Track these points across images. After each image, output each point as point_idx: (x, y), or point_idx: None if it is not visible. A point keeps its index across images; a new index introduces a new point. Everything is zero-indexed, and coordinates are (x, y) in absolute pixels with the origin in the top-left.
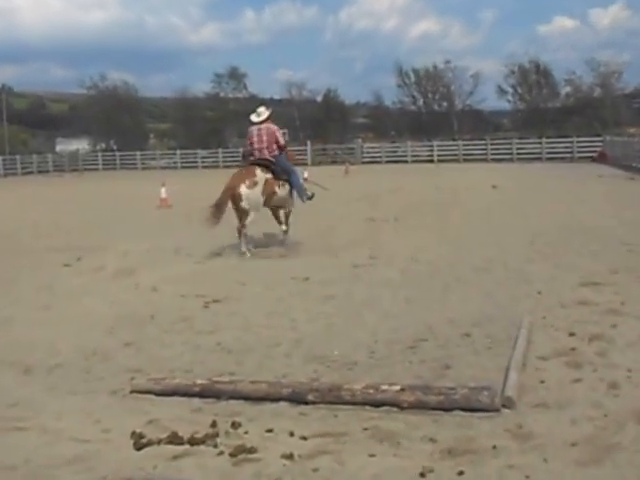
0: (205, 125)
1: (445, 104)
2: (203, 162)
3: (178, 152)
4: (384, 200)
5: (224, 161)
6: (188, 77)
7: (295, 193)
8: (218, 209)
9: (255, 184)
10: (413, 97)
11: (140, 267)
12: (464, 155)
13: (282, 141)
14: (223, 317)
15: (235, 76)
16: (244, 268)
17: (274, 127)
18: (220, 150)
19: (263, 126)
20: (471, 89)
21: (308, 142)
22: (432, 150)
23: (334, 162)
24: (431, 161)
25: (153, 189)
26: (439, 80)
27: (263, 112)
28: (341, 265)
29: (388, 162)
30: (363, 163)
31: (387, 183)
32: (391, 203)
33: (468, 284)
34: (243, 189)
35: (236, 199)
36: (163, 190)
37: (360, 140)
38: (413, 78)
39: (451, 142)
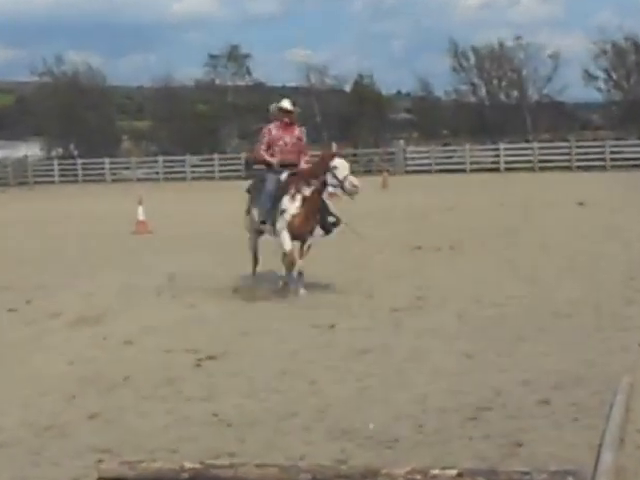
0: (196, 123)
1: (515, 94)
2: (193, 172)
3: (160, 159)
4: (435, 222)
5: (221, 171)
6: (172, 60)
7: None
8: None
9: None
10: (472, 85)
11: (110, 313)
12: (540, 162)
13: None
14: (221, 379)
15: (235, 58)
16: (249, 313)
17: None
18: (216, 156)
19: None
20: (549, 74)
21: (333, 144)
22: (498, 155)
23: (368, 171)
24: (497, 170)
25: (127, 208)
26: (507, 62)
27: None
28: (378, 308)
29: (439, 171)
30: (406, 172)
31: (438, 199)
32: (444, 226)
33: (547, 334)
34: None
35: None
36: (140, 210)
37: (402, 142)
38: (473, 60)
39: (523, 144)
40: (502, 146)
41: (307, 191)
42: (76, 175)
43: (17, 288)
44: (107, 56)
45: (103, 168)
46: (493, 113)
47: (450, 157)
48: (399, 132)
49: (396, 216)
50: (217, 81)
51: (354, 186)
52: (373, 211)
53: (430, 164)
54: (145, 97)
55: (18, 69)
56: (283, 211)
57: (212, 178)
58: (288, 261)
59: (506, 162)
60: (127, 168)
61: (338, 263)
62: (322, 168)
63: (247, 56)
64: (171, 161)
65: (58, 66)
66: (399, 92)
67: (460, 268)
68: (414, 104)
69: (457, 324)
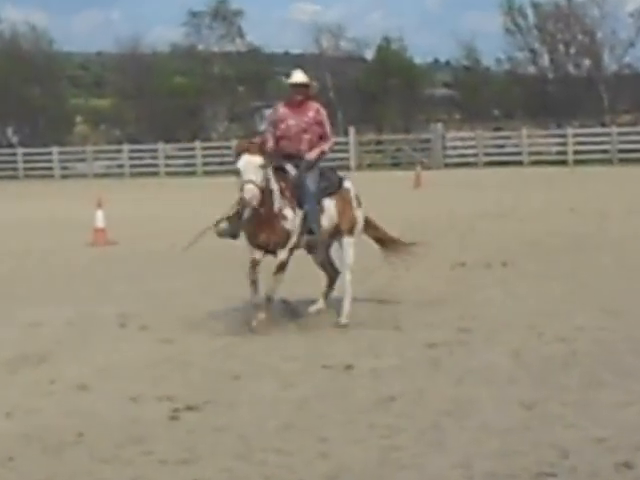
0: (172, 101)
1: (587, 63)
2: (168, 166)
3: (125, 148)
4: (482, 231)
5: (205, 164)
6: (141, 18)
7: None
8: None
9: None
10: (532, 52)
11: (58, 350)
12: (621, 152)
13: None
14: (204, 435)
15: (223, 15)
16: (241, 351)
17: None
18: (198, 145)
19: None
20: (632, 38)
21: (350, 129)
22: (565, 144)
23: (396, 164)
24: (564, 162)
25: (82, 213)
26: (576, 22)
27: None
28: (408, 343)
29: (488, 164)
30: (446, 166)
31: (487, 201)
32: (495, 237)
33: (629, 377)
34: None
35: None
36: (99, 215)
37: (440, 126)
38: (532, 19)
39: (598, 129)
40: (570, 131)
41: None
42: (15, 169)
43: None
44: (55, 13)
45: (51, 160)
46: (558, 88)
47: (502, 146)
48: (436, 113)
49: (432, 223)
50: (200, 46)
51: None
52: (402, 217)
53: (476, 154)
54: (106, 67)
55: None
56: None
57: (193, 173)
58: None
59: (576, 152)
60: (82, 160)
61: (357, 285)
62: None
63: (238, 13)
64: (139, 151)
65: None
66: (436, 61)
67: (516, 291)
68: (456, 76)
69: (512, 364)
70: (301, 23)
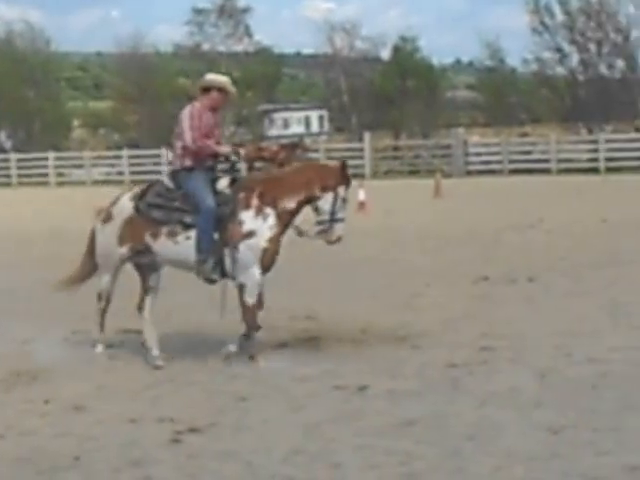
0: (175, 104)
1: (621, 64)
2: None
3: (125, 153)
4: (507, 244)
5: None
6: (142, 16)
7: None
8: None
9: (109, 219)
10: (560, 51)
11: (54, 368)
12: None
13: (187, 136)
14: (207, 460)
15: (230, 13)
16: (247, 370)
17: (188, 107)
18: None
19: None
20: None
21: (365, 134)
22: (596, 150)
23: (414, 172)
24: (595, 170)
25: (79, 224)
26: (609, 20)
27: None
28: (428, 364)
29: (514, 172)
30: (468, 174)
31: (512, 212)
32: (520, 250)
33: None
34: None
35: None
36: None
37: (461, 131)
38: (560, 17)
39: (632, 135)
40: (602, 137)
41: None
42: (9, 176)
43: None
44: (52, 11)
45: (46, 166)
46: (589, 91)
47: (529, 152)
48: (458, 117)
49: (453, 236)
50: (205, 46)
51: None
52: (421, 228)
53: (501, 162)
54: (105, 68)
55: None
56: (250, 234)
57: None
58: (253, 318)
59: (608, 159)
60: (79, 166)
61: (373, 300)
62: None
63: (246, 11)
64: (141, 156)
65: None
66: (458, 61)
67: (543, 309)
68: (479, 78)
69: (538, 387)
70: (313, 21)
